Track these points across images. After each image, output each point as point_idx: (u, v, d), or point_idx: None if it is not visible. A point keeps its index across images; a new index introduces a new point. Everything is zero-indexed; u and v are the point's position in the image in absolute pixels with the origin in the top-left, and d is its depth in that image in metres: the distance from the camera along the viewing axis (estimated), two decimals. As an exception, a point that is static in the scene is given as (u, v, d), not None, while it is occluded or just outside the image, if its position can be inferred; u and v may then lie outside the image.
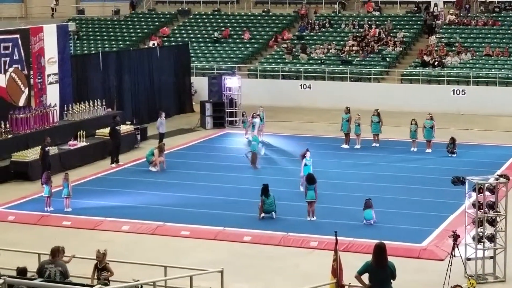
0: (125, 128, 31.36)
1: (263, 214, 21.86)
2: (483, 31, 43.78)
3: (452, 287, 13.89)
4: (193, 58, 43.47)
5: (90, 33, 49.72)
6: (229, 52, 45.56)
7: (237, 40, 46.77)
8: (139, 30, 49.31)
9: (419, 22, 45.70)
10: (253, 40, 46.58)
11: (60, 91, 31.17)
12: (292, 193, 23.59)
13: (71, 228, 21.53)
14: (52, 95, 30.72)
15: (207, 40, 47.10)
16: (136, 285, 13.52)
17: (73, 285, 12.24)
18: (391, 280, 12.75)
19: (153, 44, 44.84)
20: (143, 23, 50.39)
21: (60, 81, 31.16)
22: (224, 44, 46.39)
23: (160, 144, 28.81)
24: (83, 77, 33.88)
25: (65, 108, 30.87)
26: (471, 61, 41.18)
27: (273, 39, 46.28)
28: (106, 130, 29.87)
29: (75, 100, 31.74)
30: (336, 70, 42.07)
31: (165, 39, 47.00)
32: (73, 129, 29.91)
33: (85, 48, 47.35)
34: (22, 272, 13.50)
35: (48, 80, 30.61)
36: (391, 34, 44.28)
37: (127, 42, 47.69)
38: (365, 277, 12.76)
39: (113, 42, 47.94)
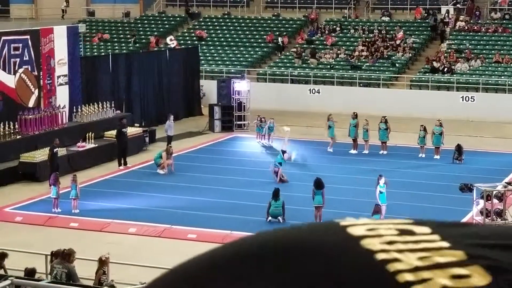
0: (133, 130, 31.41)
1: (270, 218, 21.87)
2: (493, 38, 43.71)
3: None
4: (203, 61, 43.53)
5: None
6: (239, 55, 45.60)
7: (247, 44, 46.80)
8: (149, 33, 49.38)
9: (429, 28, 45.65)
10: (262, 44, 46.60)
11: (69, 93, 31.25)
12: (300, 198, 23.57)
13: (78, 229, 21.57)
14: (62, 96, 30.80)
15: (217, 43, 47.15)
16: None
17: (79, 286, 12.28)
18: None
19: (170, 40, 44.91)
20: (153, 25, 50.50)
21: (69, 82, 31.25)
22: (234, 48, 46.43)
23: (167, 147, 28.83)
24: (92, 79, 33.96)
25: (74, 110, 30.94)
26: (480, 68, 41.11)
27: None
28: (115, 132, 29.93)
29: (84, 101, 31.81)
30: (345, 75, 42.05)
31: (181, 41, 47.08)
32: (81, 130, 29.96)
33: (94, 49, 47.46)
34: (30, 273, 13.55)
35: (57, 82, 30.68)
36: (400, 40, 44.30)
37: (137, 45, 47.79)
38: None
39: (123, 44, 48.04)
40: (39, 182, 26.26)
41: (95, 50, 47.37)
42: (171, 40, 45.19)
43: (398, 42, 43.79)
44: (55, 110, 29.84)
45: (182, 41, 47.30)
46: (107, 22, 51.90)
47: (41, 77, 30.07)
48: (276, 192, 21.95)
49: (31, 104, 29.42)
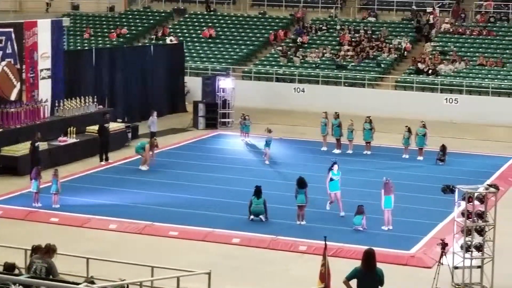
0: (116, 126, 31.22)
1: (252, 216, 21.80)
2: (477, 40, 43.83)
3: None
4: (187, 58, 43.37)
5: (84, 29, 49.50)
6: (224, 53, 45.47)
7: (232, 41, 46.69)
8: (133, 28, 49.17)
9: (414, 30, 45.70)
10: (248, 42, 46.50)
11: (52, 87, 31.01)
12: (282, 196, 23.49)
13: (59, 224, 21.41)
14: (44, 90, 30.55)
15: (202, 40, 47.00)
16: (122, 284, 13.41)
17: (59, 282, 12.13)
18: (379, 287, 12.70)
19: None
20: (137, 20, 50.27)
21: (52, 76, 31.01)
22: (219, 45, 46.30)
23: (152, 139, 28.68)
24: (75, 73, 33.71)
25: (56, 104, 30.71)
26: (464, 70, 41.22)
27: (272, 38, 46.13)
28: (97, 127, 29.74)
29: (67, 96, 31.58)
30: (331, 75, 42.04)
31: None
32: (63, 125, 29.76)
33: (78, 44, 47.18)
34: (10, 267, 13.38)
35: (40, 75, 30.45)
36: (386, 41, 44.30)
37: (121, 39, 47.55)
38: (353, 283, 12.69)
39: (107, 39, 47.80)
40: (20, 176, 26.06)
41: (78, 44, 47.06)
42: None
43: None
44: (37, 103, 29.61)
45: (167, 37, 47.06)
46: (91, 16, 51.63)
47: (23, 70, 29.84)
48: (258, 190, 21.88)
49: (13, 97, 29.19)
